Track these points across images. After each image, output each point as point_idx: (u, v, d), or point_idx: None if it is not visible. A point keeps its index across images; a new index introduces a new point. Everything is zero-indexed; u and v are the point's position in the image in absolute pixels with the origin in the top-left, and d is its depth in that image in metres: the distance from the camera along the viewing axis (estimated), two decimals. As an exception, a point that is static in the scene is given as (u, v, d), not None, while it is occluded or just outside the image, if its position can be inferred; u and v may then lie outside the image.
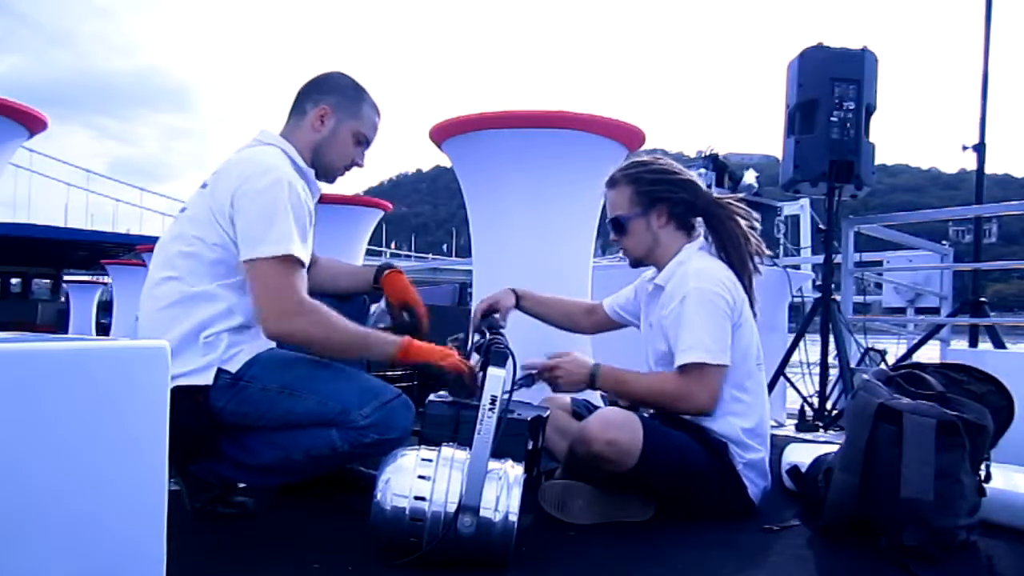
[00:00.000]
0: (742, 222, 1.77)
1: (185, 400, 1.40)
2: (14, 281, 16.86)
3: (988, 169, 3.97)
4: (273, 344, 1.63)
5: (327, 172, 1.76)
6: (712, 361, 1.61)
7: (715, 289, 1.65)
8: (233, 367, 1.53)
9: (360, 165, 1.81)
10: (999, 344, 3.79)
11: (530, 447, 1.53)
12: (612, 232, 1.85)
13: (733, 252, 1.75)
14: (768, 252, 1.81)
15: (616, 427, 1.55)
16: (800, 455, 1.98)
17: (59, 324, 11.57)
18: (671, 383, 1.65)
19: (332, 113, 1.72)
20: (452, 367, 1.53)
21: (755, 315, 1.75)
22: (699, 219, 1.81)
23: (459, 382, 1.53)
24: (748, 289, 1.74)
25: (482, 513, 1.25)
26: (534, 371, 1.72)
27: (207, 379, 1.51)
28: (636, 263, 1.86)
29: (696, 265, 1.71)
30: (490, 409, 1.27)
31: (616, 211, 1.81)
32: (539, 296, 2.01)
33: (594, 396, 2.24)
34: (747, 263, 1.75)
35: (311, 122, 1.71)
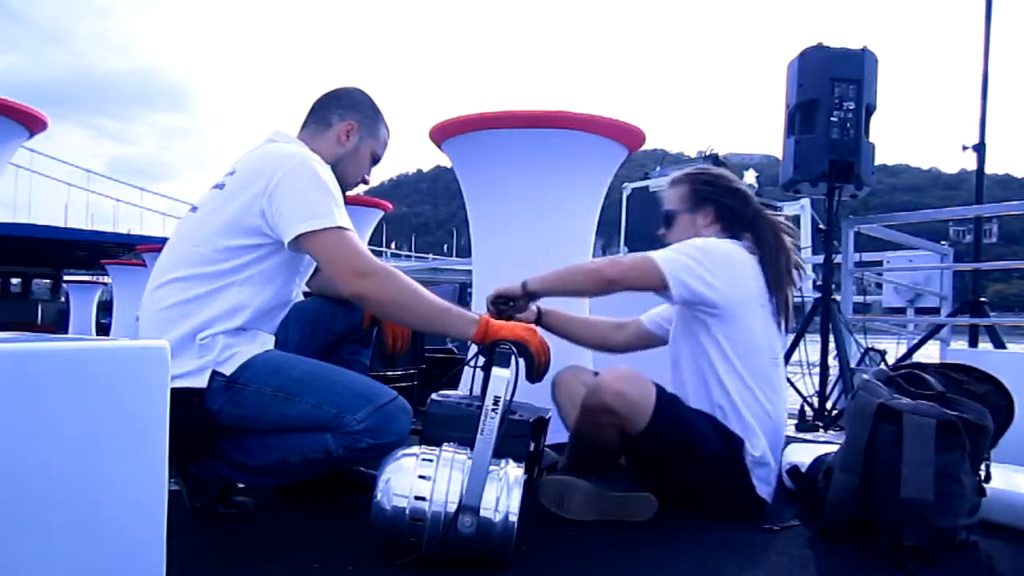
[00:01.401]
0: (787, 240, 1.82)
1: (181, 402, 1.40)
2: (14, 281, 16.85)
3: (988, 169, 3.98)
4: (271, 346, 1.63)
5: (342, 185, 1.78)
6: (654, 256, 1.67)
7: (714, 244, 1.73)
8: (228, 370, 1.52)
9: (367, 182, 1.86)
10: (999, 344, 3.79)
11: (531, 448, 1.53)
12: (663, 226, 1.92)
13: (771, 263, 1.77)
14: (806, 270, 1.86)
15: (627, 380, 1.58)
16: (800, 455, 1.98)
17: (59, 324, 11.57)
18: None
19: (357, 130, 1.76)
20: (537, 348, 1.46)
21: (783, 326, 1.76)
22: (749, 234, 1.84)
23: (531, 364, 1.45)
24: (775, 293, 1.74)
25: (482, 513, 1.25)
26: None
27: (202, 381, 1.51)
28: None
29: (722, 241, 1.78)
30: (493, 409, 1.27)
31: (668, 206, 1.91)
32: (565, 315, 2.01)
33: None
34: (782, 275, 1.77)
35: (337, 135, 1.74)
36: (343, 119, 1.75)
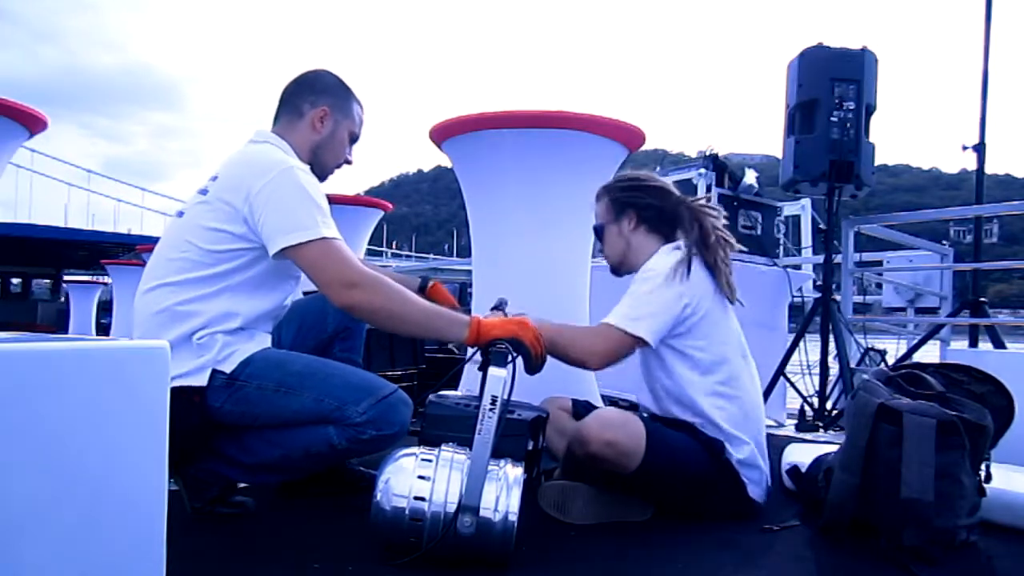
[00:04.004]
0: (710, 220, 1.82)
1: (182, 401, 1.41)
2: (14, 281, 16.86)
3: (988, 169, 3.97)
4: (268, 344, 1.63)
5: (323, 171, 1.77)
6: (619, 325, 1.65)
7: (658, 270, 1.70)
8: (228, 367, 1.53)
9: (350, 163, 1.84)
10: (999, 344, 3.78)
11: (530, 447, 1.53)
12: (597, 241, 1.99)
13: (703, 247, 1.78)
14: (737, 244, 1.86)
15: (614, 427, 1.55)
16: (800, 455, 1.98)
17: (59, 324, 11.57)
18: (577, 329, 1.74)
19: (331, 115, 1.74)
20: (532, 341, 1.45)
21: (733, 303, 1.78)
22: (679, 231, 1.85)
23: (529, 358, 1.44)
24: (723, 281, 1.76)
25: (482, 513, 1.25)
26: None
27: (202, 380, 1.51)
28: (614, 269, 1.93)
29: (657, 256, 1.77)
30: (490, 409, 1.27)
31: (595, 222, 1.96)
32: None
33: (594, 396, 2.25)
34: (717, 257, 1.77)
35: (311, 123, 1.73)
36: (315, 105, 1.73)
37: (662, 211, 1.86)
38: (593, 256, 2.75)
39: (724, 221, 1.85)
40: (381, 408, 1.52)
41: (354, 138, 1.82)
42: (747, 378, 1.75)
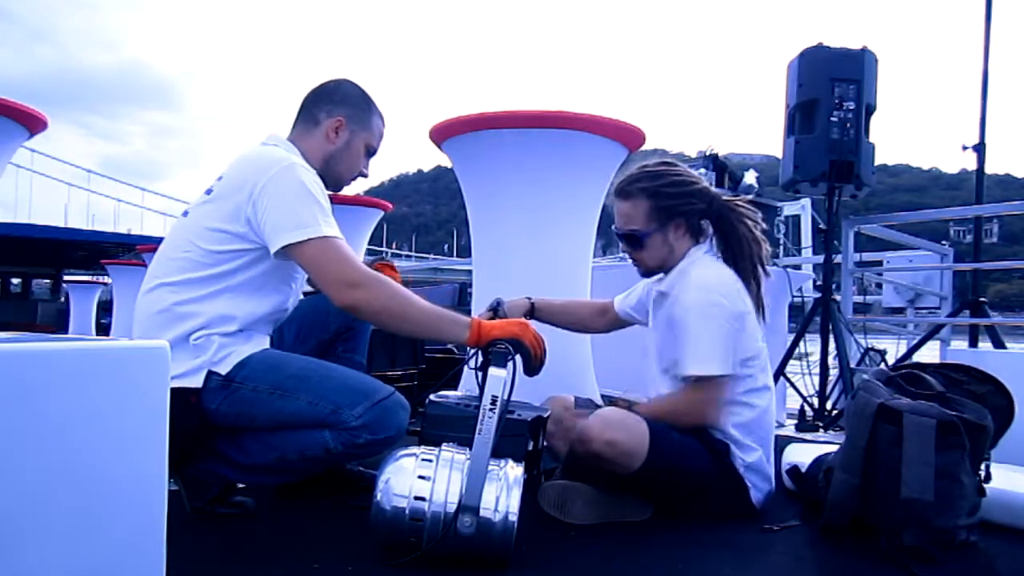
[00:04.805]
0: (751, 224, 1.78)
1: (178, 402, 1.41)
2: (14, 281, 16.88)
3: (988, 169, 3.96)
4: (267, 345, 1.63)
5: (336, 182, 1.77)
6: (717, 373, 1.62)
7: (714, 299, 1.66)
8: (224, 369, 1.52)
9: (365, 175, 1.83)
10: (999, 344, 3.78)
11: (530, 447, 1.53)
12: (625, 245, 1.84)
13: (740, 256, 1.75)
14: (771, 250, 1.81)
15: (615, 427, 1.55)
16: (800, 455, 1.98)
17: (59, 324, 11.59)
18: (679, 400, 1.68)
19: (346, 125, 1.73)
20: (532, 342, 1.45)
21: (763, 319, 1.74)
22: (706, 221, 1.82)
23: (528, 359, 1.44)
24: (754, 294, 1.73)
25: (482, 513, 1.25)
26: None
27: (197, 381, 1.51)
28: (649, 273, 1.87)
29: (697, 273, 1.72)
30: (491, 409, 1.27)
31: (631, 225, 1.79)
32: (553, 303, 2.03)
33: (595, 396, 2.25)
34: (755, 267, 1.75)
35: (325, 133, 1.72)
36: (331, 115, 1.73)
37: (705, 214, 1.79)
38: (594, 256, 2.75)
39: (763, 225, 1.79)
40: (377, 412, 1.51)
41: (371, 151, 1.81)
42: (765, 388, 1.73)
